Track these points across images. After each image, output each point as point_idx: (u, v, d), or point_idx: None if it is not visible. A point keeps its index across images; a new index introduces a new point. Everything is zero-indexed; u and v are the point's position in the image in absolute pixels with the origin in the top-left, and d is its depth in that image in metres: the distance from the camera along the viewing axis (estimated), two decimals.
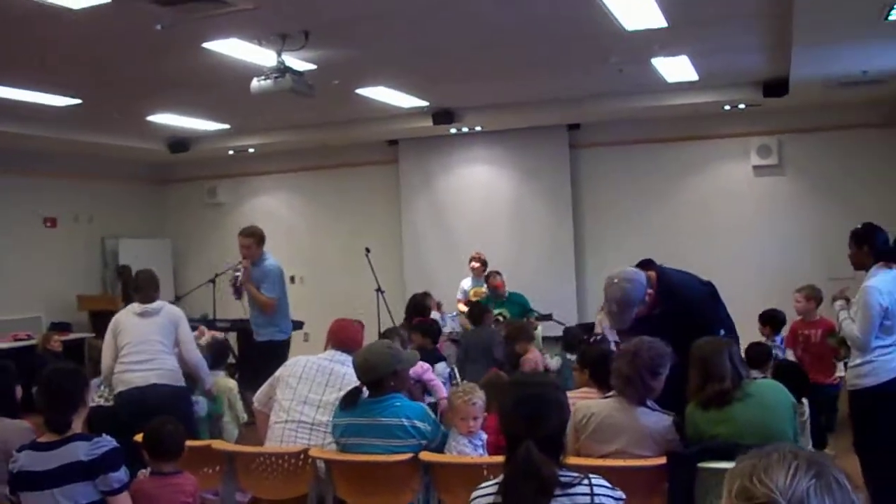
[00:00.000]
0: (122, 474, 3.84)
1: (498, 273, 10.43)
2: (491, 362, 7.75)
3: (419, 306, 9.10)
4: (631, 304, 4.94)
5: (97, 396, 6.36)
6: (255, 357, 8.22)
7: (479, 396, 4.72)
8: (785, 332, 8.50)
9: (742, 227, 11.92)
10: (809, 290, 8.33)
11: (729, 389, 4.18)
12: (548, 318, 10.42)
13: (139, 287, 6.60)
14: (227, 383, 7.18)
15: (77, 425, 3.96)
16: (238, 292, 8.48)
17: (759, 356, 7.16)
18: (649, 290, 5.00)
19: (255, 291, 8.21)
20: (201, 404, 6.65)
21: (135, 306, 6.42)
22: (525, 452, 2.76)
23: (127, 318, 6.37)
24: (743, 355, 5.70)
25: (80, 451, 3.76)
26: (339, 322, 5.73)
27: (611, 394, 4.43)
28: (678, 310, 4.98)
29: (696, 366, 4.31)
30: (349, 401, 4.73)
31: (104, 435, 3.92)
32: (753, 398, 4.18)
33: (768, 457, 1.69)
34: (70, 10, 6.23)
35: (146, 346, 6.19)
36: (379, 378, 4.71)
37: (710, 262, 11.25)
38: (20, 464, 3.84)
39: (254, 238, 8.27)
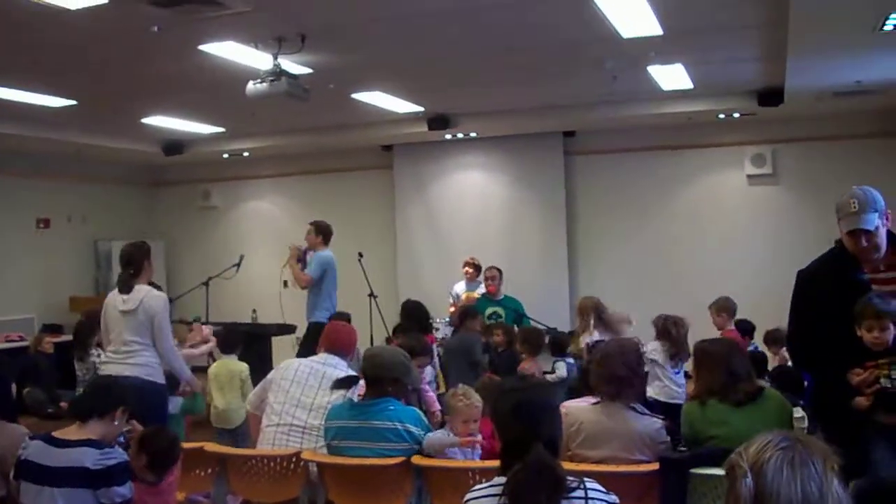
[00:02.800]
0: (125, 489, 3.81)
1: (497, 270, 10.36)
2: (471, 367, 7.73)
3: (421, 314, 8.35)
4: (871, 203, 4.18)
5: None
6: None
7: (478, 399, 4.74)
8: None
9: (736, 237, 11.93)
10: (718, 303, 8.33)
11: (755, 390, 4.25)
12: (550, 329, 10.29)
13: (121, 267, 6.50)
14: (237, 366, 7.49)
15: (95, 431, 3.94)
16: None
17: (757, 365, 7.16)
18: (888, 213, 4.27)
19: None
20: (174, 402, 6.63)
21: (118, 298, 6.26)
22: (537, 455, 2.76)
23: (112, 311, 6.28)
24: None
25: (87, 458, 3.75)
26: (332, 325, 5.74)
27: (596, 400, 4.44)
28: None
29: (718, 363, 4.31)
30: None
31: (116, 447, 3.91)
32: (756, 404, 4.20)
33: (752, 438, 1.80)
34: (67, 10, 6.21)
35: (124, 346, 6.16)
36: (380, 377, 4.72)
37: (703, 271, 11.34)
38: (28, 452, 3.86)
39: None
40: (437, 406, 6.07)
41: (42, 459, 3.79)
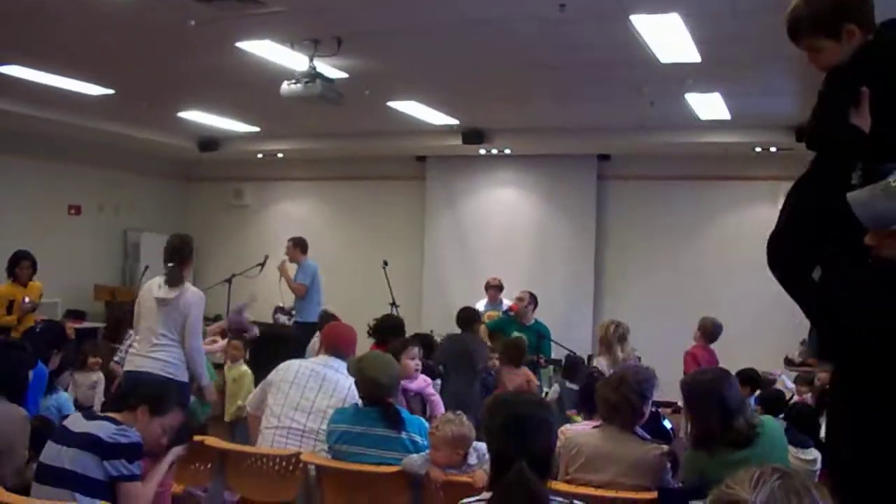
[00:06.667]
0: (133, 466, 3.82)
1: (529, 294, 9.86)
2: (471, 372, 7.55)
3: (397, 328, 7.41)
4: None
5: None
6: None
7: (470, 427, 4.46)
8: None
9: (767, 272, 11.74)
10: (702, 320, 8.34)
11: (751, 426, 3.89)
12: (557, 362, 9.75)
13: (166, 258, 6.44)
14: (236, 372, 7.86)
15: (135, 419, 3.99)
16: None
17: (776, 401, 6.85)
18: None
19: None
20: None
21: (156, 288, 6.25)
22: (518, 472, 2.71)
23: (148, 301, 6.27)
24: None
25: (102, 430, 3.79)
26: (332, 327, 5.69)
27: (598, 424, 4.36)
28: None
29: (710, 404, 3.92)
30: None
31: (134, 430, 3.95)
32: (765, 437, 3.90)
33: (736, 474, 1.76)
34: None
35: (153, 338, 6.17)
36: (383, 397, 4.66)
37: (731, 305, 11.18)
38: (67, 420, 4.01)
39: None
40: (442, 410, 5.92)
41: (70, 425, 3.89)
